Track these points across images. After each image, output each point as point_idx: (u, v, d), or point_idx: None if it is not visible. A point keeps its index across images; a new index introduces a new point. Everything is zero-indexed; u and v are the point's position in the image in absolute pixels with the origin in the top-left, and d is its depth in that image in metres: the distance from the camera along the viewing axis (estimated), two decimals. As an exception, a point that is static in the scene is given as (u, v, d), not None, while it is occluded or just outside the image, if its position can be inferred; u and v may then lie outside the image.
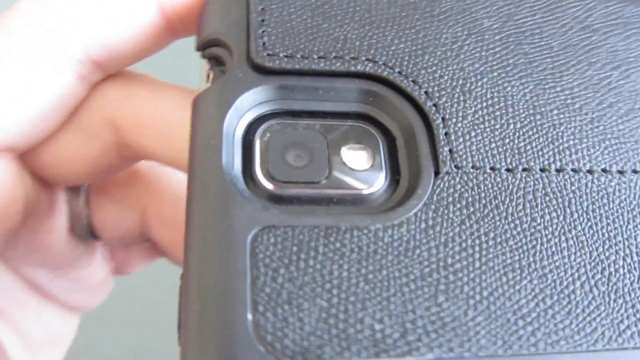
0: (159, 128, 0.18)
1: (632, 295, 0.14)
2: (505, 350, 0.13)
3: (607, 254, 0.15)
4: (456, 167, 0.15)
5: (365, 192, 0.15)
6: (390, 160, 0.16)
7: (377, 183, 0.15)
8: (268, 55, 0.16)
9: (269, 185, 0.15)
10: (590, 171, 0.16)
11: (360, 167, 0.15)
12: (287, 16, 0.17)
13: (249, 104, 0.16)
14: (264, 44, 0.16)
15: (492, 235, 0.14)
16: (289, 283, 0.13)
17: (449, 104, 0.16)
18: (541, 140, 0.16)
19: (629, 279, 0.14)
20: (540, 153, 0.16)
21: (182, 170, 0.19)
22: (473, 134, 0.16)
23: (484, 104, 0.16)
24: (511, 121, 0.16)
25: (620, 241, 0.15)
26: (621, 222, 0.15)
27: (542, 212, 0.15)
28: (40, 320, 0.23)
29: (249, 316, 0.13)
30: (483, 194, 0.15)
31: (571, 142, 0.16)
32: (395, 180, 0.15)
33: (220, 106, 0.15)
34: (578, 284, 0.14)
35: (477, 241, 0.14)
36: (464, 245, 0.14)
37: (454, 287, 0.14)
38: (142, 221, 0.21)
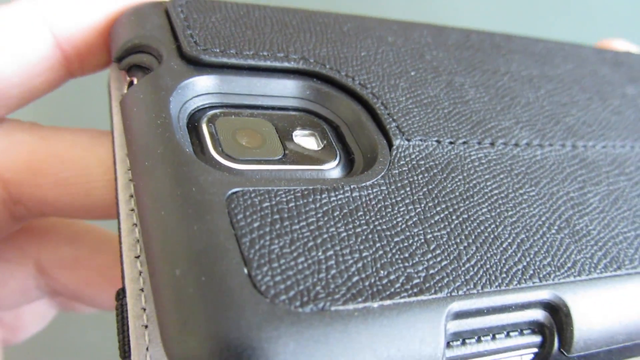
0: (57, 174, 0.16)
1: (594, 233, 0.15)
2: (509, 282, 0.13)
3: (558, 204, 0.15)
4: (407, 139, 0.15)
5: (324, 167, 0.14)
6: (340, 144, 0.15)
7: (333, 161, 0.15)
8: (203, 50, 0.15)
9: (228, 163, 0.13)
10: (516, 144, 0.17)
11: (314, 147, 0.15)
12: (210, 25, 0.16)
13: (189, 93, 0.15)
14: (195, 41, 0.15)
15: (458, 192, 0.14)
16: (279, 238, 0.12)
17: (383, 93, 0.16)
18: (468, 122, 0.17)
19: (585, 222, 0.15)
20: (472, 131, 0.17)
21: (89, 218, 0.17)
22: (412, 115, 0.16)
23: (411, 94, 0.17)
24: (438, 108, 0.17)
25: (564, 194, 0.16)
26: (559, 180, 0.16)
27: (493, 174, 0.15)
28: None
29: (245, 270, 0.11)
30: (438, 161, 0.15)
31: (493, 124, 0.17)
32: (349, 160, 0.15)
33: (161, 91, 0.14)
34: (545, 228, 0.14)
35: (447, 197, 0.14)
36: (436, 201, 0.14)
37: (439, 237, 0.13)
38: (37, 272, 0.17)
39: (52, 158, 0.16)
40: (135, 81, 0.15)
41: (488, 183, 0.15)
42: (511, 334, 0.13)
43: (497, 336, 0.13)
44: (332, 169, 0.15)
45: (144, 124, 0.13)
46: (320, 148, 0.15)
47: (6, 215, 0.16)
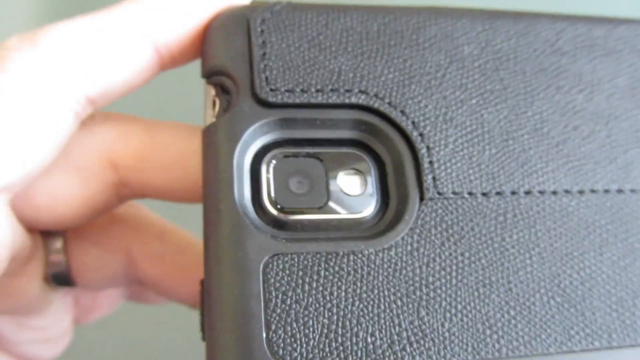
0: (158, 161, 0.19)
1: (582, 304, 0.17)
2: (474, 356, 0.16)
3: (564, 268, 0.17)
4: (439, 193, 0.17)
5: (359, 216, 0.17)
6: (381, 185, 0.18)
7: (369, 208, 0.17)
8: (271, 90, 0.17)
9: (275, 213, 0.17)
10: (554, 192, 0.18)
11: (354, 193, 0.18)
12: (286, 49, 0.18)
13: (255, 136, 0.17)
14: (266, 78, 0.17)
15: (467, 254, 0.17)
16: (296, 304, 0.16)
17: (433, 132, 0.18)
18: (512, 164, 0.18)
19: (581, 290, 0.17)
20: (512, 177, 0.18)
21: (183, 201, 0.21)
22: (453, 161, 0.18)
23: (463, 132, 0.18)
24: (487, 147, 0.18)
25: (575, 256, 0.17)
26: (578, 239, 0.18)
27: (511, 232, 0.17)
28: None
29: (264, 334, 0.15)
30: (461, 217, 0.17)
31: (538, 166, 0.18)
32: (385, 203, 0.18)
33: (230, 140, 0.17)
34: (537, 296, 0.17)
35: (454, 260, 0.17)
36: (443, 265, 0.17)
37: (433, 302, 0.16)
38: (127, 261, 0.22)
39: (156, 147, 0.19)
40: (217, 102, 0.18)
41: (505, 240, 0.17)
42: None
43: None
44: (368, 216, 0.17)
45: (212, 175, 0.17)
46: (361, 193, 0.18)
47: (114, 196, 0.20)
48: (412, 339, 0.16)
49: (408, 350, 0.16)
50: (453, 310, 0.16)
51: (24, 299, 0.21)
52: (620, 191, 0.18)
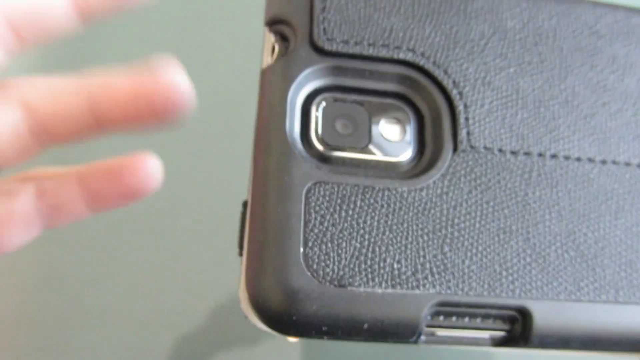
0: None
1: (594, 261, 0.18)
2: (489, 292, 0.17)
3: (580, 227, 0.19)
4: (471, 146, 0.19)
5: (396, 159, 0.19)
6: (418, 136, 0.19)
7: (406, 153, 0.19)
8: (327, 39, 0.19)
9: (320, 148, 0.19)
10: (578, 159, 0.19)
11: (394, 139, 0.19)
12: (344, 5, 0.20)
13: (309, 79, 0.19)
14: (324, 29, 0.19)
15: (492, 203, 0.18)
16: (332, 227, 0.17)
17: (471, 92, 0.19)
18: (542, 129, 0.20)
19: (594, 248, 0.19)
20: (540, 140, 0.19)
21: None
22: (488, 120, 0.19)
23: (500, 95, 0.20)
24: (519, 111, 0.20)
25: (592, 218, 0.19)
26: (596, 203, 0.19)
27: (534, 189, 0.19)
28: None
29: (301, 249, 0.17)
30: (490, 170, 0.19)
31: (566, 133, 0.20)
32: (421, 152, 0.19)
33: (286, 79, 0.19)
34: (553, 248, 0.18)
35: (479, 207, 0.18)
36: (468, 209, 0.18)
37: (456, 241, 0.18)
38: (26, 112, 0.20)
39: None
40: (276, 48, 0.20)
41: (528, 195, 0.19)
42: (485, 320, 0.18)
43: (472, 319, 0.18)
44: (404, 161, 0.19)
45: (267, 109, 0.18)
46: (399, 140, 0.19)
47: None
48: (434, 270, 0.17)
49: (429, 279, 0.17)
50: (474, 250, 0.18)
51: None
52: None
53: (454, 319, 0.18)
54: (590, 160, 0.20)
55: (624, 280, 0.18)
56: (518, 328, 0.18)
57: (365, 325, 0.17)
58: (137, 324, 0.35)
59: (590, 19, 0.21)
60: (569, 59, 0.21)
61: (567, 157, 0.19)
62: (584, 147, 0.20)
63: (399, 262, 0.17)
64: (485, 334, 0.18)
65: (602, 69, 0.21)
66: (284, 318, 0.17)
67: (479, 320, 0.18)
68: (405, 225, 0.18)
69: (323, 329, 0.17)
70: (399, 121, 0.19)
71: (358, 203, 0.18)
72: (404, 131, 0.19)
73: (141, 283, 0.36)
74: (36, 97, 0.19)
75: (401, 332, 0.17)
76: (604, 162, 0.20)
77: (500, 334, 0.18)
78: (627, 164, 0.20)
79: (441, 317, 0.18)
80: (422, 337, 0.18)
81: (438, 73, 0.20)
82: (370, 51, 0.19)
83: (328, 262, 0.17)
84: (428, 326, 0.18)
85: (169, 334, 0.36)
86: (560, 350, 0.18)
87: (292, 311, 0.16)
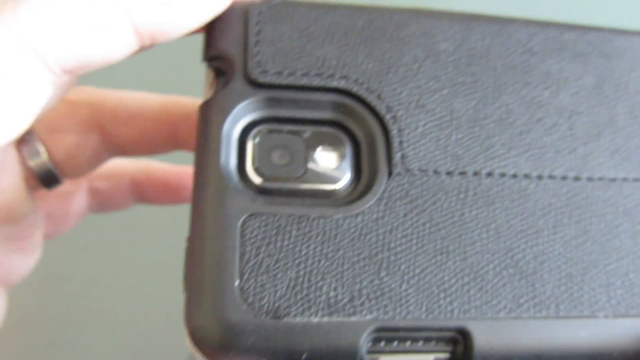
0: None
1: (533, 277, 0.19)
2: (427, 314, 0.18)
3: (518, 243, 0.19)
4: (406, 169, 0.19)
5: (332, 187, 0.19)
6: (355, 162, 0.20)
7: (343, 180, 0.19)
8: (261, 72, 0.20)
9: (257, 180, 0.19)
10: (514, 175, 0.20)
11: (331, 166, 0.19)
12: (277, 37, 0.20)
13: (245, 111, 0.19)
14: (258, 62, 0.20)
15: (428, 225, 0.19)
16: (268, 258, 0.18)
17: (405, 116, 0.20)
18: (477, 148, 0.20)
19: (533, 264, 0.19)
20: (475, 159, 0.20)
21: None
22: (422, 142, 0.20)
23: (433, 117, 0.20)
24: (454, 132, 0.20)
25: (530, 234, 0.19)
26: (533, 219, 0.19)
27: (470, 208, 0.19)
28: None
29: (237, 282, 0.17)
30: (425, 192, 0.19)
31: (501, 151, 0.20)
32: (358, 178, 0.20)
33: (221, 114, 0.19)
34: (491, 266, 0.18)
35: (415, 230, 0.18)
36: (404, 232, 0.18)
37: (393, 266, 0.18)
38: (103, 136, 0.23)
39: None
40: (214, 84, 0.20)
41: (464, 215, 0.19)
42: (427, 342, 0.18)
43: (414, 342, 0.18)
44: (341, 188, 0.19)
45: (202, 144, 0.19)
46: (336, 167, 0.19)
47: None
48: (372, 295, 0.18)
49: (366, 305, 0.17)
50: (411, 274, 0.18)
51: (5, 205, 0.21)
52: (577, 178, 0.20)
53: (395, 344, 0.18)
54: (527, 176, 0.20)
55: (564, 294, 0.18)
56: (460, 349, 0.18)
57: (304, 356, 0.17)
58: (137, 324, 0.35)
59: (523, 37, 0.22)
60: (502, 78, 0.21)
61: (502, 175, 0.20)
62: (519, 163, 0.20)
63: (335, 289, 0.17)
64: (430, 357, 0.18)
65: (536, 86, 0.21)
66: (222, 353, 0.17)
67: (420, 343, 0.18)
68: (341, 252, 0.18)
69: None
70: (335, 148, 0.20)
71: (293, 233, 0.18)
72: (341, 158, 0.20)
73: (142, 283, 0.36)
74: (115, 124, 0.22)
75: None
76: (540, 177, 0.20)
77: (443, 356, 0.18)
78: (564, 178, 0.20)
79: (382, 343, 0.18)
80: None
81: (371, 99, 0.20)
82: (304, 81, 0.20)
83: (264, 294, 0.17)
84: (370, 352, 0.18)
85: (169, 334, 0.35)
86: None
87: (229, 345, 0.17)
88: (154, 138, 0.23)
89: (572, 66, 0.22)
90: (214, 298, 0.17)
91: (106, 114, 0.22)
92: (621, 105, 0.21)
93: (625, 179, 0.20)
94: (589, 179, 0.20)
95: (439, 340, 0.18)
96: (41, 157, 0.22)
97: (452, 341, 0.18)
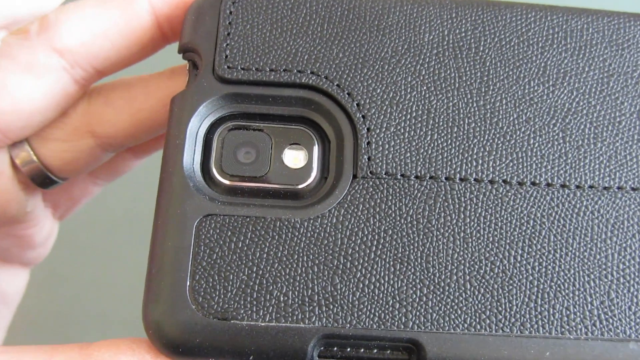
0: (103, 41, 0.21)
1: (499, 292, 0.17)
2: (379, 325, 0.17)
3: (487, 255, 0.18)
4: (371, 172, 0.18)
5: (296, 187, 0.19)
6: (323, 161, 0.19)
7: (308, 181, 0.19)
8: (229, 67, 0.19)
9: (220, 178, 0.19)
10: (491, 181, 0.18)
11: (297, 166, 0.19)
12: (249, 30, 0.20)
13: (211, 108, 0.19)
14: (226, 57, 0.19)
15: (390, 232, 0.18)
16: (221, 259, 0.18)
17: (377, 115, 0.19)
18: (453, 151, 0.19)
19: (501, 277, 0.18)
20: (449, 163, 0.18)
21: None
22: (392, 143, 0.19)
23: (408, 116, 0.19)
24: (429, 132, 0.19)
25: (502, 245, 0.18)
26: (508, 229, 0.18)
27: (439, 216, 0.18)
28: None
29: (188, 282, 0.17)
30: (390, 197, 0.18)
31: (479, 154, 0.19)
32: (325, 178, 0.19)
33: (186, 111, 0.19)
34: (454, 278, 0.17)
35: (375, 237, 0.18)
36: (364, 239, 0.18)
37: (348, 273, 0.17)
38: (97, 138, 0.23)
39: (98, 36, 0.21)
40: (188, 75, 0.20)
41: (431, 222, 0.18)
42: (381, 350, 0.18)
43: (367, 350, 0.18)
44: (304, 188, 0.19)
45: (168, 142, 0.19)
46: (302, 166, 0.19)
47: (71, 83, 0.21)
48: (322, 302, 0.17)
49: (316, 312, 0.17)
50: (366, 282, 0.17)
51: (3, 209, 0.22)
52: (564, 186, 0.18)
53: (348, 349, 0.18)
54: (505, 182, 0.18)
55: (532, 311, 0.17)
56: (415, 358, 0.17)
57: (251, 358, 0.17)
58: (137, 324, 0.36)
59: (520, 25, 0.20)
60: (491, 72, 0.19)
61: (478, 180, 0.18)
62: (499, 168, 0.19)
63: (285, 294, 0.17)
64: None
65: (529, 81, 0.19)
66: (172, 350, 0.17)
67: (375, 350, 0.18)
68: (295, 256, 0.18)
69: (210, 359, 0.17)
70: (303, 146, 0.19)
71: (248, 235, 0.18)
72: (308, 157, 0.19)
73: (142, 283, 0.37)
74: (105, 126, 0.22)
75: None
76: (520, 184, 0.18)
77: None
78: (549, 185, 0.18)
79: (334, 348, 0.18)
80: None
81: (342, 96, 0.19)
82: (272, 77, 0.19)
83: (214, 294, 0.17)
84: (322, 356, 0.17)
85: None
86: None
87: (178, 343, 0.17)
88: (148, 125, 0.23)
89: (575, 58, 0.20)
90: (166, 296, 0.17)
91: (94, 119, 0.23)
92: (628, 103, 0.19)
93: (621, 188, 0.18)
94: (578, 187, 0.18)
95: (393, 349, 0.17)
96: (34, 163, 0.23)
97: (407, 350, 0.17)
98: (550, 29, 0.20)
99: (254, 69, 0.19)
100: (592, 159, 0.19)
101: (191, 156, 0.19)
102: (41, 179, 0.23)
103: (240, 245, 0.18)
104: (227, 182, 0.19)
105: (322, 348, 0.17)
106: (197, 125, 0.19)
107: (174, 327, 0.17)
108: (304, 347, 0.17)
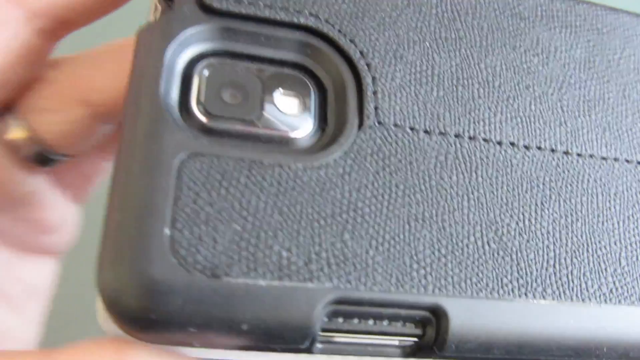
0: None
1: (518, 254, 0.16)
2: (397, 287, 0.15)
3: (502, 217, 0.16)
4: (379, 122, 0.16)
5: (292, 135, 0.16)
6: (320, 111, 0.17)
7: (305, 129, 0.16)
8: None
9: (202, 118, 0.16)
10: (499, 142, 0.17)
11: (291, 112, 0.16)
12: None
13: (192, 40, 0.16)
14: None
15: (402, 187, 0.16)
16: (209, 206, 0.14)
17: (381, 65, 0.17)
18: (459, 109, 0.17)
19: (518, 240, 0.16)
20: (457, 120, 0.17)
21: None
22: (399, 95, 0.17)
23: (413, 70, 0.17)
24: (435, 88, 0.17)
25: (515, 207, 0.16)
26: (519, 191, 0.17)
27: (450, 173, 0.16)
28: (14, 275, 0.22)
29: (166, 231, 0.14)
30: (400, 150, 0.16)
31: (486, 115, 0.17)
32: (322, 129, 0.17)
33: (163, 38, 0.16)
34: (472, 239, 0.16)
35: (387, 191, 0.16)
36: (374, 193, 0.15)
37: (359, 228, 0.15)
38: (90, 108, 0.21)
39: None
40: (158, 8, 0.17)
41: (444, 179, 0.16)
42: (393, 322, 0.15)
43: (378, 321, 0.15)
44: (302, 137, 0.16)
45: (139, 71, 0.15)
46: (298, 113, 0.16)
47: (33, 33, 0.19)
48: (332, 260, 0.14)
49: (325, 271, 0.14)
50: (380, 239, 0.15)
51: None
52: (567, 153, 0.18)
53: (355, 321, 0.15)
54: (512, 144, 0.17)
55: (552, 277, 0.16)
56: (431, 333, 0.15)
57: (244, 327, 0.14)
58: None
59: (512, 0, 0.20)
60: (489, 38, 0.19)
61: (486, 140, 0.17)
62: (505, 130, 0.17)
63: (288, 250, 0.14)
64: (394, 340, 0.15)
65: (524, 51, 0.19)
66: (141, 320, 0.13)
67: (385, 322, 0.15)
68: (298, 207, 0.15)
69: (190, 330, 0.13)
70: (297, 94, 0.17)
71: (242, 180, 0.15)
72: (304, 105, 0.17)
73: None
74: (97, 94, 0.20)
75: (290, 336, 0.14)
76: (527, 147, 0.17)
77: (409, 341, 0.15)
78: (553, 151, 0.18)
79: (340, 319, 0.15)
80: (318, 345, 0.15)
81: (344, 42, 0.17)
82: (267, 13, 0.17)
83: (200, 247, 0.14)
84: (324, 330, 0.15)
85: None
86: None
87: (151, 308, 0.13)
88: None
89: (562, 36, 0.20)
90: (134, 248, 0.13)
91: (83, 84, 0.21)
92: (613, 83, 0.19)
93: (616, 159, 0.18)
94: (579, 155, 0.18)
95: (407, 320, 0.15)
96: (25, 138, 0.20)
97: (423, 323, 0.15)
98: (537, 7, 0.20)
99: (246, 1, 0.17)
100: (590, 130, 0.18)
101: (167, 89, 0.15)
102: (37, 156, 0.21)
103: (232, 192, 0.14)
104: (209, 122, 0.16)
105: (325, 319, 0.14)
106: (175, 56, 0.16)
107: (148, 287, 0.13)
108: (310, 312, 0.14)
